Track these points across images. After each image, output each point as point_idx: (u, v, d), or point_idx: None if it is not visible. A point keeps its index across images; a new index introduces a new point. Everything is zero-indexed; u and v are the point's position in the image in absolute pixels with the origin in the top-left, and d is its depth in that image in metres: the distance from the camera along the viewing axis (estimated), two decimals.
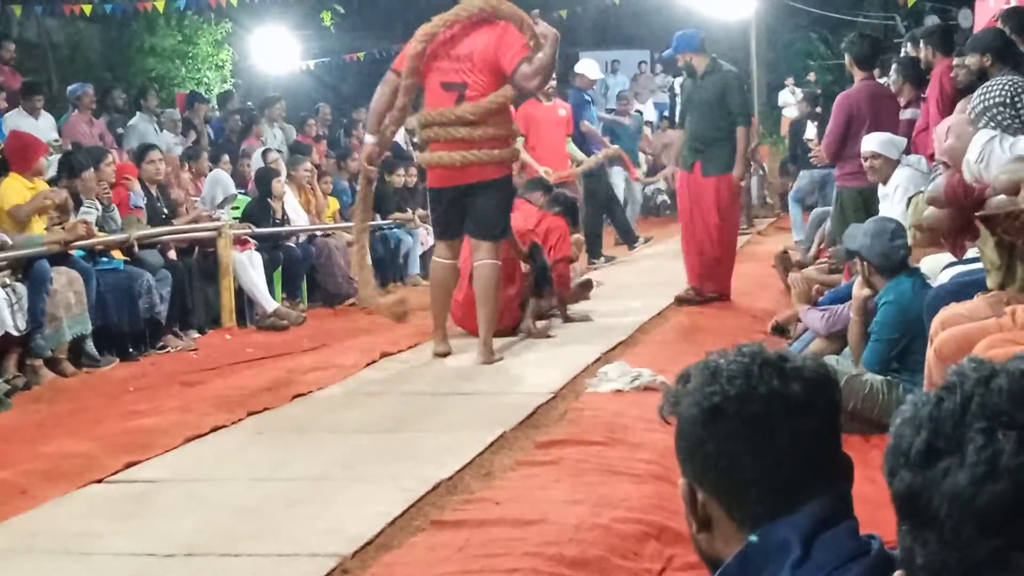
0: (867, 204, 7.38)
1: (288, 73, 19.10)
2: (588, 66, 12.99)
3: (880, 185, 7.04)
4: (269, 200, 10.06)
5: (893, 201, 6.61)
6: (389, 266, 11.51)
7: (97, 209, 8.10)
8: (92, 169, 8.14)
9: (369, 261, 7.87)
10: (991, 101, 4.14)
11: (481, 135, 6.67)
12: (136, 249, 8.16)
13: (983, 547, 1.10)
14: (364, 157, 7.19)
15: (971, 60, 7.27)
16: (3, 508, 4.32)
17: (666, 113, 18.68)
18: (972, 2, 14.91)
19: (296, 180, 11.02)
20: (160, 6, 15.75)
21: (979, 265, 4.71)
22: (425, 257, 11.27)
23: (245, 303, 9.33)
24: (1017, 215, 3.82)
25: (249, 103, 16.25)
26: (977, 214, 3.93)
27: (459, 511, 4.07)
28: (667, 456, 1.70)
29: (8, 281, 6.78)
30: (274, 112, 14.21)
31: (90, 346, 7.51)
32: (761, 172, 18.92)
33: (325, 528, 3.91)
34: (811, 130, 13.59)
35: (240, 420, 5.61)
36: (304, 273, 10.39)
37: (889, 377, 5.30)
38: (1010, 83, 4.17)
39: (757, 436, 1.58)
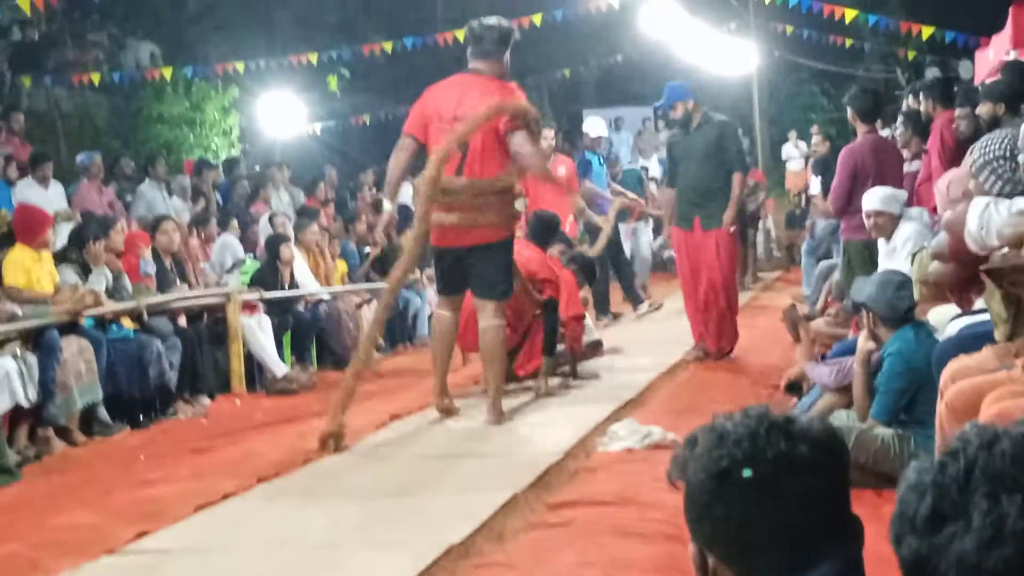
0: (873, 256, 7.38)
1: (295, 137, 19.24)
2: (593, 124, 13.06)
3: (883, 241, 7.04)
4: (278, 264, 10.11)
5: (900, 256, 6.62)
6: (397, 327, 11.52)
7: (107, 278, 8.15)
8: (101, 239, 8.19)
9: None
10: (991, 155, 4.17)
11: (482, 202, 6.69)
12: (146, 317, 8.20)
13: None
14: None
15: (984, 109, 7.33)
16: None
17: None
18: (972, 54, 15.05)
19: (304, 243, 11.08)
20: (168, 74, 15.95)
21: (987, 316, 4.71)
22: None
23: (255, 368, 9.34)
24: (1022, 268, 3.83)
25: (257, 167, 16.39)
26: (982, 267, 3.94)
27: None
28: (679, 515, 1.69)
29: (19, 352, 6.80)
30: (280, 176, 14.32)
31: (102, 412, 7.51)
32: (768, 226, 18.95)
33: None
34: (815, 185, 13.62)
35: (251, 487, 5.59)
36: (313, 336, 10.41)
37: (899, 430, 5.29)
38: (1010, 137, 4.19)
39: (766, 499, 1.58)
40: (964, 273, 4.11)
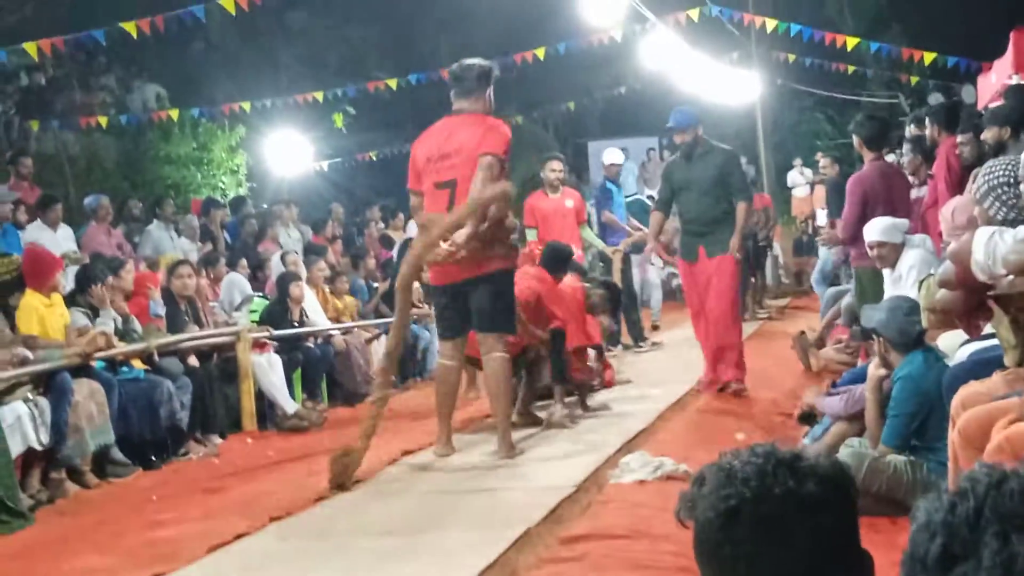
0: (884, 282, 7.38)
1: (302, 175, 19.32)
2: (610, 153, 13.15)
3: (888, 270, 7.05)
4: (288, 302, 10.15)
5: (905, 283, 6.62)
6: (408, 362, 11.54)
7: (115, 320, 8.18)
8: (105, 281, 8.22)
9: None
10: (995, 181, 4.18)
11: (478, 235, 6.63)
12: (156, 358, 8.22)
13: None
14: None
15: (989, 134, 7.35)
16: None
17: None
18: (975, 79, 15.09)
19: (313, 280, 11.14)
20: (175, 115, 16.04)
21: (996, 342, 4.71)
22: None
23: (266, 406, 9.35)
24: None
25: (264, 205, 16.45)
26: (990, 294, 3.95)
27: None
28: (691, 548, 1.71)
29: (31, 396, 6.82)
30: (288, 214, 14.39)
31: (116, 453, 7.52)
32: (775, 252, 18.96)
33: None
34: (821, 216, 13.63)
35: (264, 526, 5.59)
36: (324, 373, 10.43)
37: (912, 457, 5.29)
38: (1012, 164, 4.21)
39: (774, 537, 1.58)
40: (971, 300, 4.12)
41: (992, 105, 9.73)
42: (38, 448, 6.76)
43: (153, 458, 7.90)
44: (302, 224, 14.99)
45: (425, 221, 6.77)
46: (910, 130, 10.34)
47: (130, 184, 16.24)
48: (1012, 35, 11.66)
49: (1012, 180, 4.14)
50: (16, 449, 6.55)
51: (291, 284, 10.23)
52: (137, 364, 8.20)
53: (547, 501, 5.50)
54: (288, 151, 18.31)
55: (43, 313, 7.55)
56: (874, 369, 5.69)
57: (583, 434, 7.46)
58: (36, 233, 10.85)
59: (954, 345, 5.56)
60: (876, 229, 7.07)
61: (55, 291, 7.83)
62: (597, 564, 4.46)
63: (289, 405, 9.33)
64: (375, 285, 12.80)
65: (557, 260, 8.67)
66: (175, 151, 16.61)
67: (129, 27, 12.00)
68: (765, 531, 1.58)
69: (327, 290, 11.51)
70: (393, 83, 16.76)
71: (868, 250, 7.12)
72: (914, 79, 21.71)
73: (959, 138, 8.03)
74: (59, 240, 10.85)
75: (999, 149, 7.18)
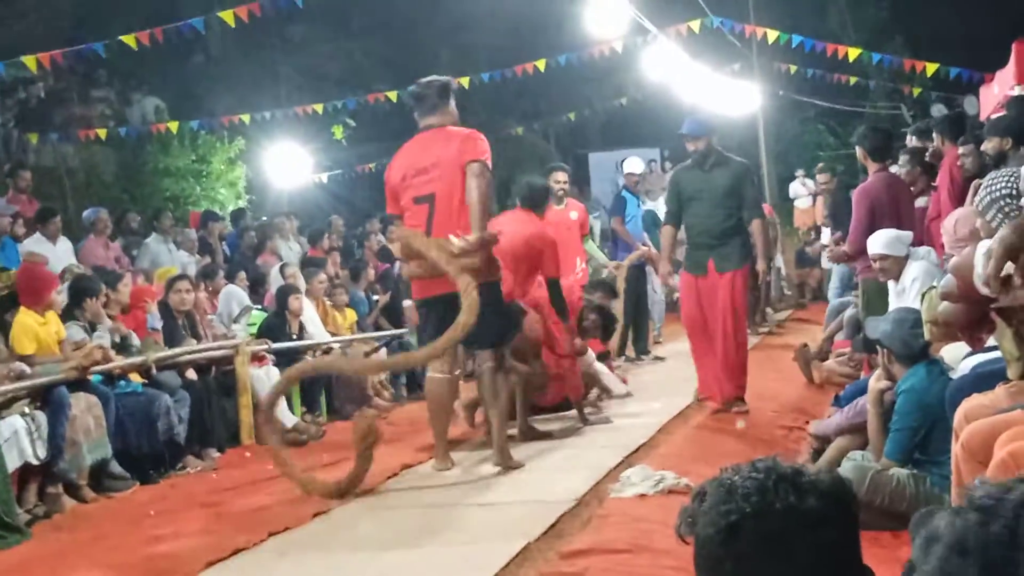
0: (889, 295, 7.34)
1: (301, 187, 19.32)
2: (631, 163, 13.19)
3: (892, 283, 7.02)
4: (287, 315, 10.12)
5: (909, 295, 6.59)
6: (407, 375, 11.49)
7: (111, 333, 8.14)
8: (98, 295, 8.18)
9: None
10: (997, 193, 4.16)
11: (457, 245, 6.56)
12: (154, 371, 8.18)
13: None
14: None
15: (990, 144, 7.33)
16: None
17: None
18: (977, 90, 15.10)
19: (313, 293, 11.12)
20: (174, 127, 16.05)
21: (999, 354, 4.67)
22: None
23: None
24: None
25: (264, 217, 16.44)
26: (993, 307, 3.91)
27: None
28: (692, 563, 1.68)
29: (27, 410, 6.78)
30: (289, 227, 14.38)
31: (115, 466, 7.48)
32: (778, 264, 18.93)
33: None
34: (825, 235, 13.58)
35: (262, 541, 5.54)
36: (322, 386, 10.39)
37: (915, 470, 5.25)
38: (1014, 175, 4.18)
39: (775, 553, 1.56)
40: (974, 312, 4.08)
41: (993, 116, 9.71)
42: (35, 463, 6.72)
43: (151, 472, 7.86)
44: (300, 236, 14.98)
45: (405, 237, 6.71)
46: (911, 141, 10.33)
47: (129, 197, 16.24)
48: (1014, 46, 11.67)
49: (1014, 192, 4.11)
50: (13, 464, 6.51)
51: (290, 297, 10.20)
52: (135, 378, 8.16)
53: (547, 515, 5.47)
54: (288, 163, 18.32)
55: (38, 331, 7.51)
56: (875, 382, 5.66)
57: (584, 447, 7.43)
58: (35, 246, 10.83)
59: (958, 357, 5.52)
60: (879, 242, 7.04)
61: (50, 308, 7.79)
62: None
63: (288, 419, 9.29)
64: (375, 298, 12.77)
65: (536, 196, 8.43)
66: (174, 164, 16.61)
67: (128, 40, 12.00)
68: (766, 547, 1.56)
69: (327, 303, 11.48)
70: (393, 95, 16.78)
71: (872, 263, 7.09)
72: (916, 90, 21.74)
73: (960, 149, 8.01)
74: (59, 253, 10.83)
75: (1000, 160, 7.16)
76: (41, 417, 6.82)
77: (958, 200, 7.57)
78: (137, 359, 8.14)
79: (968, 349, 5.26)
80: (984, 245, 3.55)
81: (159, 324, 8.95)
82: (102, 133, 15.75)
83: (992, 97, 12.87)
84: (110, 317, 8.42)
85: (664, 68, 17.46)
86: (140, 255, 12.40)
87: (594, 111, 24.36)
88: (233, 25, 12.81)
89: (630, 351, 12.41)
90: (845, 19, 26.27)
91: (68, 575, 5.29)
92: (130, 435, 7.71)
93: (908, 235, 7.15)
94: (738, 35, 19.20)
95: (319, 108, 16.97)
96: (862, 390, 6.13)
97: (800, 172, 23.39)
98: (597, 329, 8.86)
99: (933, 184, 8.69)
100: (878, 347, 5.64)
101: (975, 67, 16.42)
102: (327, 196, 20.42)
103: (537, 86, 21.73)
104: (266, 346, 9.56)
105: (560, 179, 10.95)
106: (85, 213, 12.45)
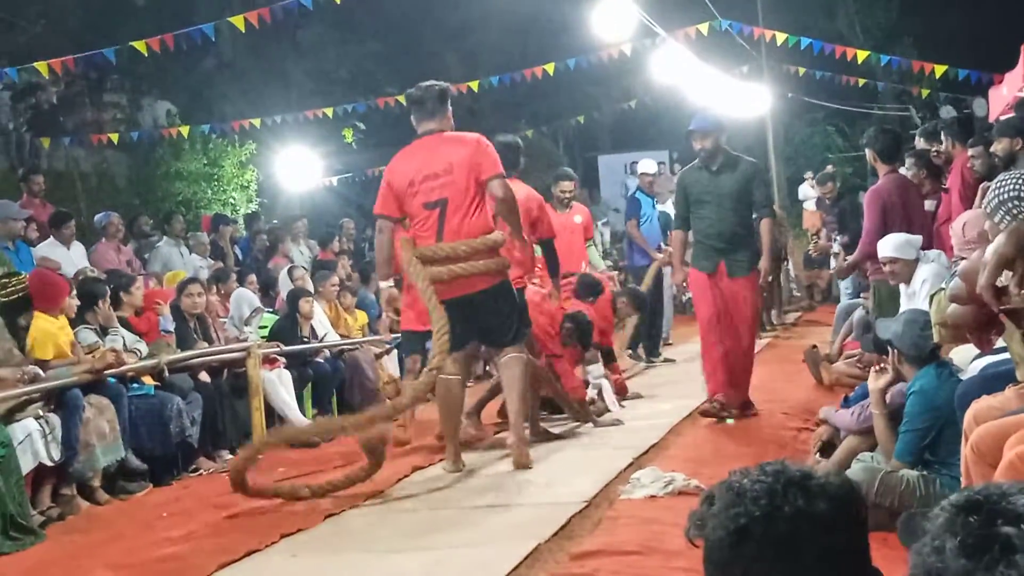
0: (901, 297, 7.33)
1: (312, 190, 19.34)
2: (644, 163, 13.19)
3: (903, 286, 7.01)
4: (298, 317, 10.16)
5: (919, 298, 6.60)
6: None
7: (122, 337, 8.18)
8: (107, 299, 8.22)
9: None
10: (1005, 195, 4.16)
11: (465, 250, 6.63)
12: (166, 374, 8.22)
13: None
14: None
15: (999, 146, 7.33)
16: None
17: None
18: (986, 91, 15.07)
19: (324, 295, 11.15)
20: (185, 131, 16.09)
21: (1008, 356, 4.68)
22: None
23: (276, 421, 9.34)
24: None
25: (275, 221, 16.47)
26: (1001, 308, 3.92)
27: None
28: (702, 564, 1.70)
29: (41, 412, 6.82)
30: (298, 230, 14.41)
31: (132, 459, 7.51)
32: (788, 266, 18.90)
33: None
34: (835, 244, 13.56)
35: (274, 543, 5.57)
36: (334, 388, 10.42)
37: (925, 472, 5.25)
38: (1022, 177, 4.18)
39: (784, 556, 1.57)
40: (983, 315, 4.09)
41: (1002, 117, 9.71)
42: (49, 464, 6.77)
43: (164, 475, 7.89)
44: (311, 239, 15.02)
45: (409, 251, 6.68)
46: (919, 143, 10.33)
47: (141, 200, 16.28)
48: (1023, 47, 11.65)
49: (1022, 194, 4.11)
50: (27, 466, 6.55)
51: (301, 300, 10.24)
52: (147, 380, 8.20)
53: (558, 517, 5.49)
54: (298, 167, 18.34)
55: (56, 335, 7.54)
56: (873, 383, 5.65)
57: (594, 448, 7.44)
58: (50, 250, 10.86)
59: (968, 359, 5.52)
60: (889, 245, 7.04)
61: (63, 313, 7.83)
62: None
63: (300, 421, 9.32)
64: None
65: (507, 157, 7.84)
66: (186, 167, 16.64)
67: (139, 45, 12.04)
68: (775, 550, 1.57)
69: (340, 305, 11.51)
70: (403, 99, 16.77)
71: (882, 266, 7.09)
72: (925, 92, 21.68)
73: (970, 151, 8.01)
74: (73, 257, 10.87)
75: (1010, 161, 7.16)
76: (55, 419, 6.86)
77: (970, 202, 7.57)
78: (150, 362, 8.18)
79: (977, 351, 5.26)
80: (990, 250, 3.57)
81: (171, 327, 8.99)
82: (114, 137, 15.80)
83: (1001, 98, 12.84)
84: (121, 321, 8.45)
85: (673, 71, 17.43)
86: (152, 259, 12.43)
87: (603, 114, 24.34)
88: (244, 30, 12.84)
89: (640, 350, 12.45)
90: (854, 21, 26.27)
91: None
92: (143, 437, 7.76)
93: (918, 239, 7.14)
94: (747, 37, 19.17)
95: (329, 112, 17.00)
96: None
97: (809, 174, 23.34)
98: (572, 337, 8.73)
99: (941, 187, 8.70)
100: (888, 348, 5.65)
101: (984, 68, 16.39)
102: (338, 199, 20.44)
103: (546, 89, 21.72)
104: (278, 348, 9.60)
105: (566, 188, 10.89)
106: (97, 217, 12.49)
